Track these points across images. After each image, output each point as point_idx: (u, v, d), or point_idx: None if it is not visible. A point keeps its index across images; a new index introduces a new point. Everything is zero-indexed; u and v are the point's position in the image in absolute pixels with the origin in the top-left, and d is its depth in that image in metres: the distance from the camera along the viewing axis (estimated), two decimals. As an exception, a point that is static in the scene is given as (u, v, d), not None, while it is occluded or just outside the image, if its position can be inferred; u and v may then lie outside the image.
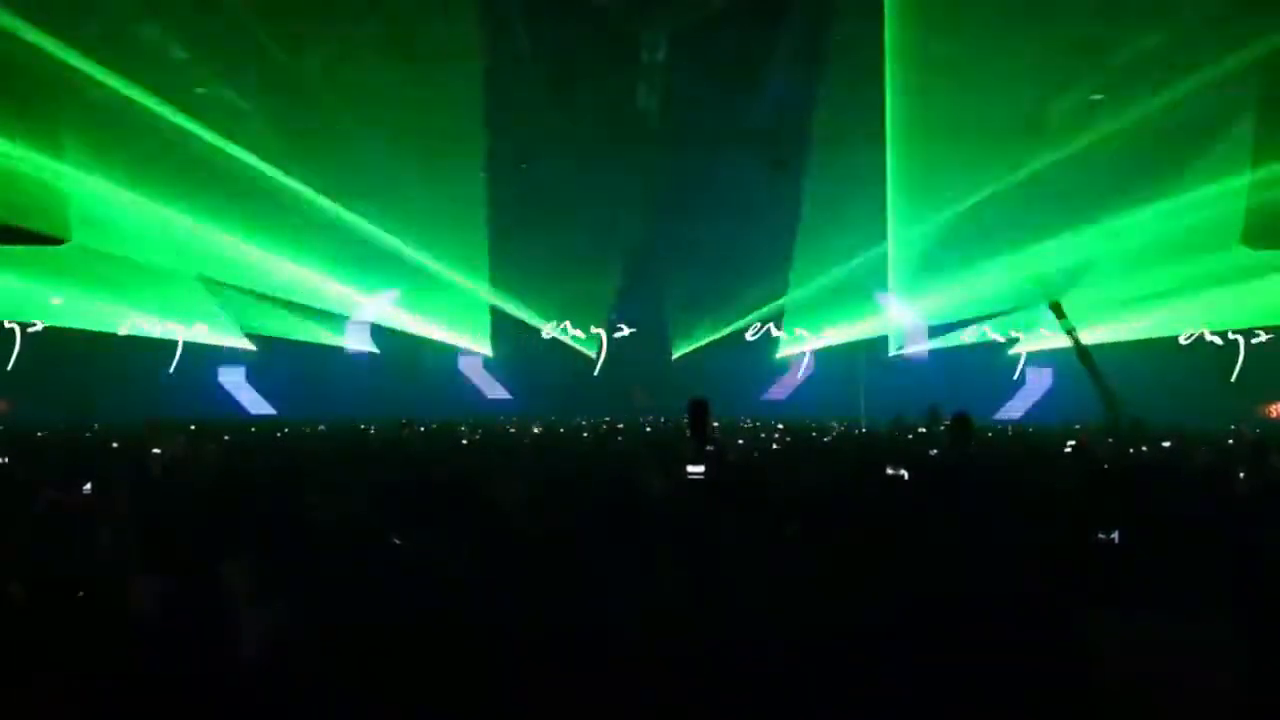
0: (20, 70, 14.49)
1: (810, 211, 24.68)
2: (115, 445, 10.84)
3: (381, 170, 21.83)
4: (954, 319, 27.37)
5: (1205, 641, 2.59)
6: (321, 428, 18.00)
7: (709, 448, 6.36)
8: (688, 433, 6.60)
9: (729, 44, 17.11)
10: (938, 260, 24.45)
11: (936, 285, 26.02)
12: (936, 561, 3.85)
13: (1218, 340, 22.00)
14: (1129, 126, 16.99)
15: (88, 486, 5.29)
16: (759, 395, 32.22)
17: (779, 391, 33.07)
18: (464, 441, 12.92)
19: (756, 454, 9.21)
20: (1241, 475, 6.85)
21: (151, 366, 24.98)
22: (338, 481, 5.84)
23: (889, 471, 6.42)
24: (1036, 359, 27.33)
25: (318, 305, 26.76)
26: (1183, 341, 22.18)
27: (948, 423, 9.56)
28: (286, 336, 27.09)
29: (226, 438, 13.08)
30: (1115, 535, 4.20)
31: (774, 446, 12.13)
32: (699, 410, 6.39)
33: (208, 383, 28.01)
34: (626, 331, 30.49)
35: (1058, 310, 20.97)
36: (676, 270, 29.02)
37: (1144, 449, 11.03)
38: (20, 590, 2.91)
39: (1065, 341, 22.09)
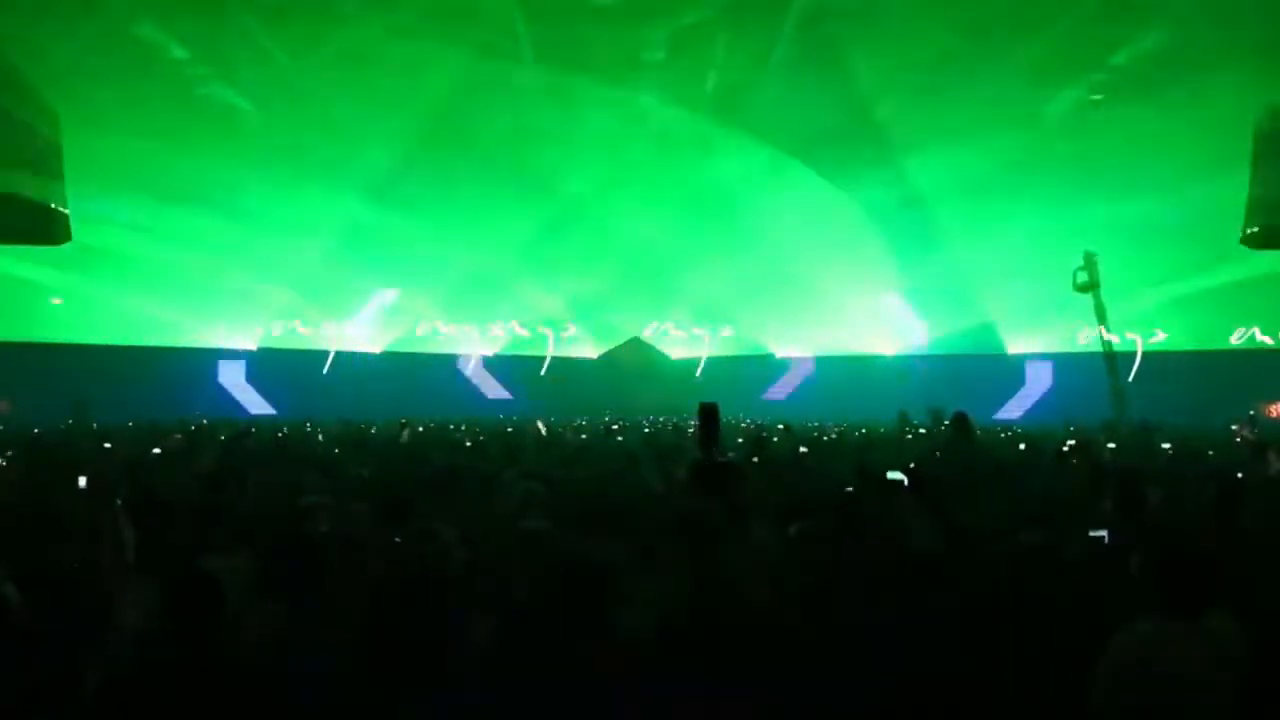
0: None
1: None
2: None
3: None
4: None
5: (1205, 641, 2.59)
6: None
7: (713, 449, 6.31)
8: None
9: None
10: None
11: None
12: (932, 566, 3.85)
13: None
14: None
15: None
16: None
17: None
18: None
19: (756, 459, 9.05)
20: (1240, 476, 6.83)
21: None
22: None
23: (888, 476, 6.39)
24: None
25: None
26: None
27: (948, 423, 9.57)
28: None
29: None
30: (1105, 534, 4.20)
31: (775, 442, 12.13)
32: (710, 415, 6.22)
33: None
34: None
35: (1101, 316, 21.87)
36: None
37: (1149, 450, 11.03)
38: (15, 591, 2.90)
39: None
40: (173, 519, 4.59)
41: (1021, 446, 11.94)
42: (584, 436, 14.77)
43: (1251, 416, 17.16)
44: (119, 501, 3.88)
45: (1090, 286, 20.96)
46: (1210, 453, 11.02)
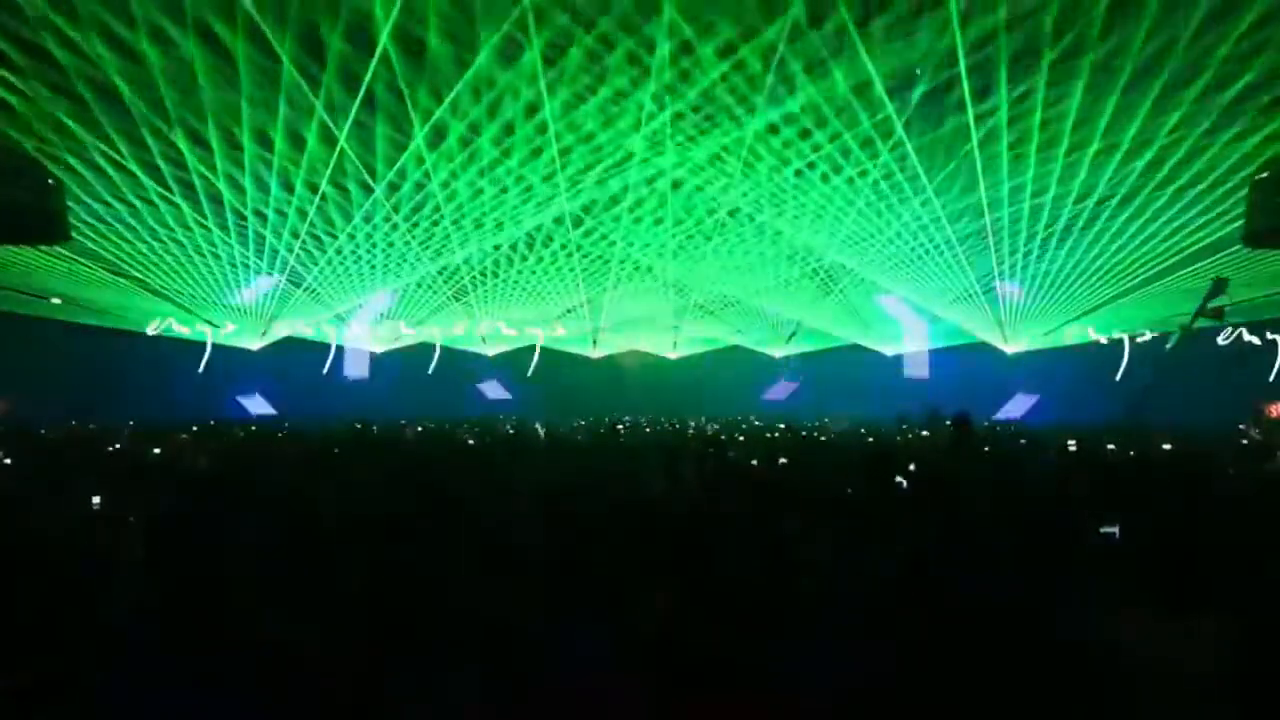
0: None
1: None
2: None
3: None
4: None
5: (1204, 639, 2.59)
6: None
7: (711, 449, 6.36)
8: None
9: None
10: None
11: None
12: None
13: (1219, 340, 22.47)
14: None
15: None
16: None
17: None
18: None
19: (755, 462, 8.95)
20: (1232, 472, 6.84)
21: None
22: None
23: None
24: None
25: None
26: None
27: (948, 423, 9.56)
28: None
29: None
30: (1115, 530, 4.21)
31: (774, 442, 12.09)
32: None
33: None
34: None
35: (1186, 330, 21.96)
36: None
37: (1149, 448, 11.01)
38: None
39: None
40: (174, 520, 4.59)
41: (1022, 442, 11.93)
42: (580, 438, 14.76)
43: (1256, 416, 17.18)
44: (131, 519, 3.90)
45: (1207, 313, 20.46)
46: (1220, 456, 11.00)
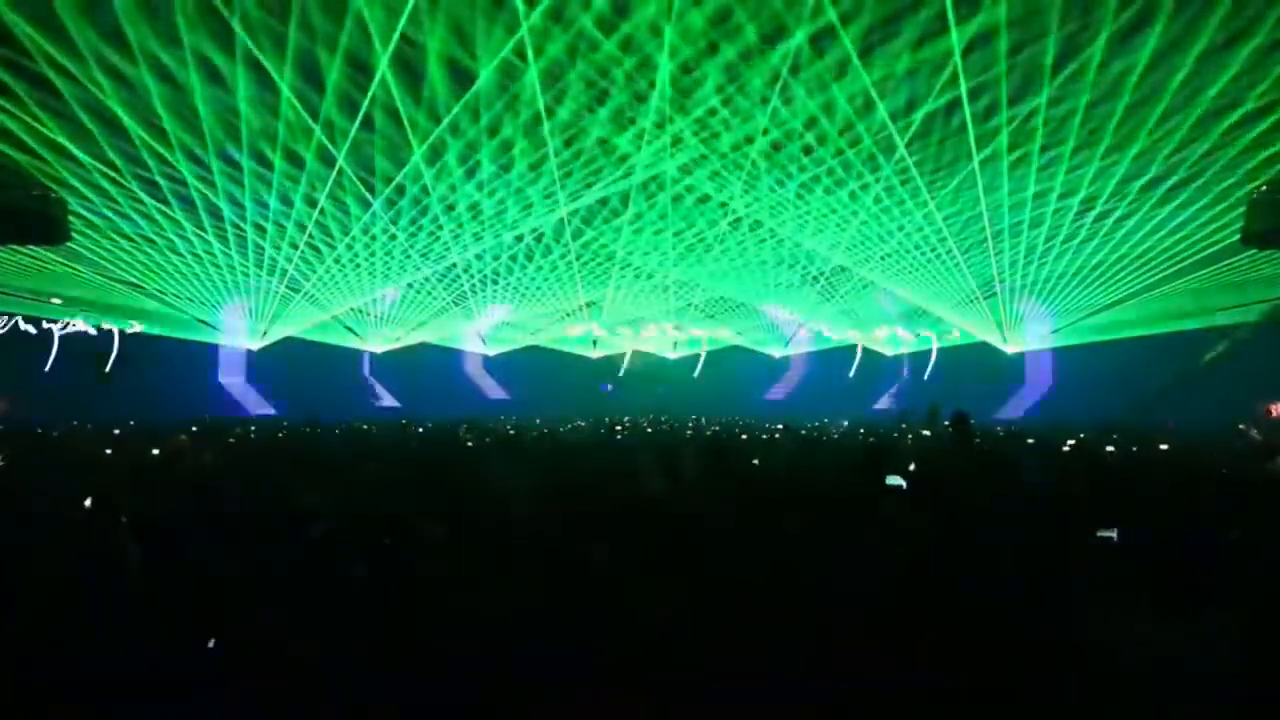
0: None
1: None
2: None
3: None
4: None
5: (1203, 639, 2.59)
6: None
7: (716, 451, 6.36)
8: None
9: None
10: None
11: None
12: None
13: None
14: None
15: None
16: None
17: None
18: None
19: (756, 461, 8.90)
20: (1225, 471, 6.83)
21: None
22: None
23: (888, 481, 6.35)
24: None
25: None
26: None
27: (948, 422, 9.54)
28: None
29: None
30: (1114, 534, 4.20)
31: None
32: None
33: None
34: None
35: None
36: None
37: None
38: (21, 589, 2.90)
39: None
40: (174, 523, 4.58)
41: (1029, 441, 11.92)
42: (578, 439, 14.74)
43: (1258, 416, 17.18)
44: (123, 519, 3.89)
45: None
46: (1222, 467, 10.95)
